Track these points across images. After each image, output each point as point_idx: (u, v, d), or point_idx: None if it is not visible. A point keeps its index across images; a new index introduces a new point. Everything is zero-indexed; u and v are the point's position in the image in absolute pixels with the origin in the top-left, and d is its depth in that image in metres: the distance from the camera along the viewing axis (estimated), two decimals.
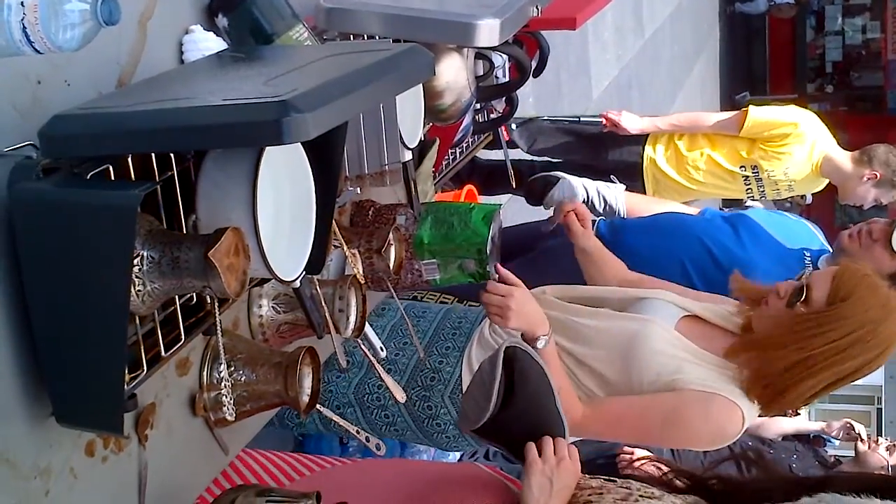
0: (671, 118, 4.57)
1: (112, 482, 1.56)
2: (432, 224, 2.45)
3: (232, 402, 1.42)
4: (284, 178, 1.57)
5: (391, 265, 2.17)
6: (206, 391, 1.70)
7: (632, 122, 4.50)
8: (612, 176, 4.28)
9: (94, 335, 1.32)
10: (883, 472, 4.45)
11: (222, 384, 1.47)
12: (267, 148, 1.42)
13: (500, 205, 2.56)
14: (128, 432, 1.57)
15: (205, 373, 1.71)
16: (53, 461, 1.43)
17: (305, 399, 1.75)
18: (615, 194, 3.54)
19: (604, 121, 4.54)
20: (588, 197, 3.48)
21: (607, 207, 3.52)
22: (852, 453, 4.67)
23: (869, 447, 4.54)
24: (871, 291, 2.27)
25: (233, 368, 1.69)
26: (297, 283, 1.62)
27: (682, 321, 2.45)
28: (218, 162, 1.45)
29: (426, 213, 2.47)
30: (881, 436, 4.81)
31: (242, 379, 1.69)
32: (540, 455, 1.93)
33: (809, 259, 3.30)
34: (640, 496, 1.89)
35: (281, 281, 1.53)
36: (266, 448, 2.40)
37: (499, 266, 2.38)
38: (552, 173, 3.50)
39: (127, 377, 1.44)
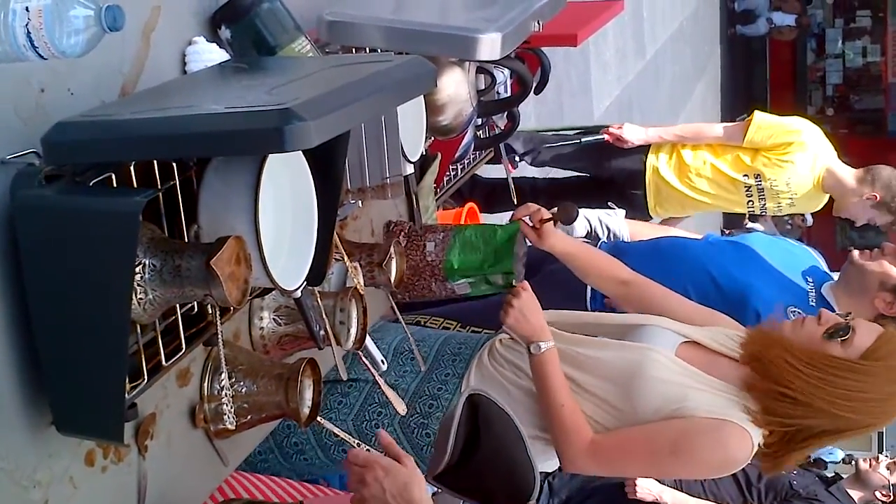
0: (675, 129, 4.57)
1: (111, 492, 1.55)
2: (461, 249, 2.55)
3: (232, 410, 1.42)
4: (286, 188, 1.58)
5: (392, 279, 2.17)
6: (207, 402, 1.70)
7: (634, 133, 4.50)
8: (609, 203, 4.30)
9: (95, 342, 1.31)
10: (883, 491, 4.45)
11: (223, 393, 1.47)
12: (269, 158, 1.43)
13: (521, 221, 2.61)
14: (128, 442, 1.57)
15: (206, 383, 1.71)
16: (53, 470, 1.43)
17: (306, 411, 1.75)
18: (617, 221, 3.54)
19: (606, 136, 4.54)
20: (591, 226, 3.49)
21: (611, 235, 3.53)
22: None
23: (870, 466, 4.53)
24: None
25: (233, 379, 1.68)
26: (298, 294, 1.62)
27: (682, 347, 2.43)
28: (220, 172, 1.45)
29: (453, 238, 2.57)
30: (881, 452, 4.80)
31: (243, 390, 1.69)
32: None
33: (812, 285, 3.30)
34: None
35: (282, 291, 1.53)
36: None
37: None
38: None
39: (127, 386, 1.43)
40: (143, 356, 1.48)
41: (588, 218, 3.49)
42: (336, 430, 1.83)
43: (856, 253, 3.24)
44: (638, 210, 4.60)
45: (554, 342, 2.36)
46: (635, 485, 4.03)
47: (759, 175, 4.38)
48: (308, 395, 1.76)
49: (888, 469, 4.50)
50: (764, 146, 4.33)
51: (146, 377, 1.49)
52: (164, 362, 1.52)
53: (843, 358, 2.27)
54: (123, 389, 1.37)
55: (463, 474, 1.94)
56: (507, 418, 1.99)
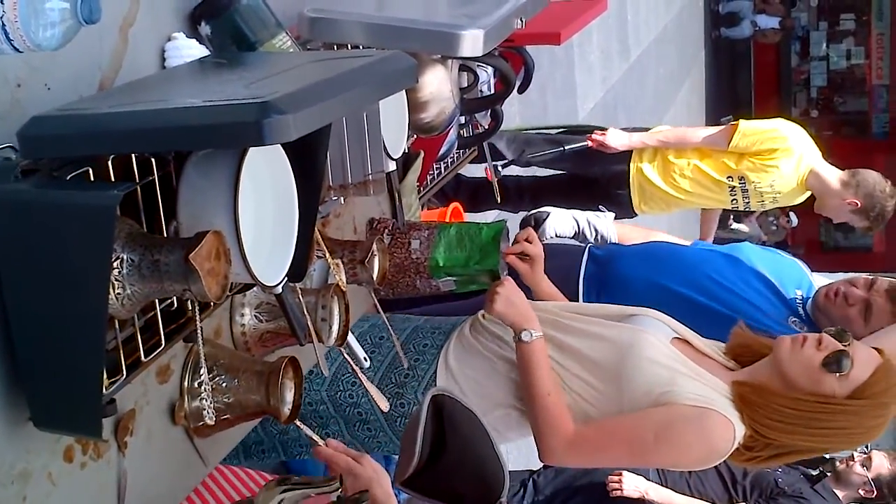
0: (659, 134, 4.58)
1: (91, 489, 1.54)
2: (446, 248, 2.57)
3: (212, 407, 1.41)
4: (266, 184, 1.57)
5: (375, 276, 2.16)
6: (188, 398, 1.69)
7: (618, 139, 4.51)
8: (600, 206, 4.31)
9: (72, 337, 1.30)
10: (866, 488, 4.46)
11: (202, 388, 1.46)
12: (249, 154, 1.42)
13: (505, 221, 2.63)
14: (107, 438, 1.56)
15: (186, 380, 1.70)
16: (31, 467, 1.41)
17: (286, 410, 1.74)
18: (606, 224, 3.55)
19: (589, 143, 4.55)
20: (579, 228, 3.50)
21: (599, 237, 3.53)
22: None
23: (847, 466, 4.54)
24: (893, 399, 2.30)
25: (214, 374, 1.68)
26: (279, 289, 1.61)
27: (675, 341, 2.44)
28: (199, 166, 1.44)
29: (438, 235, 2.58)
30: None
31: (224, 384, 1.68)
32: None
33: (801, 300, 3.29)
34: None
35: (262, 286, 1.52)
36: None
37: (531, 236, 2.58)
38: (542, 209, 3.52)
39: (106, 382, 1.43)
40: (121, 352, 1.47)
41: (577, 219, 3.50)
42: (306, 430, 1.83)
43: (822, 294, 3.22)
44: (623, 208, 4.62)
45: (541, 330, 2.36)
46: (621, 482, 4.03)
47: (743, 178, 4.40)
48: (289, 396, 1.75)
49: (863, 466, 4.51)
50: (749, 151, 4.35)
51: (125, 373, 1.48)
52: (143, 358, 1.51)
53: (832, 402, 2.28)
54: (101, 384, 1.36)
55: (431, 477, 1.93)
56: (473, 416, 1.99)
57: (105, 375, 1.40)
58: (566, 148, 4.62)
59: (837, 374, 2.26)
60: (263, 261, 1.53)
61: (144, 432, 1.66)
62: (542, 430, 2.33)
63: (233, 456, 2.46)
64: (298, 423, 1.80)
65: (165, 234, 1.50)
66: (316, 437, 1.86)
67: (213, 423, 1.40)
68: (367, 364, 2.33)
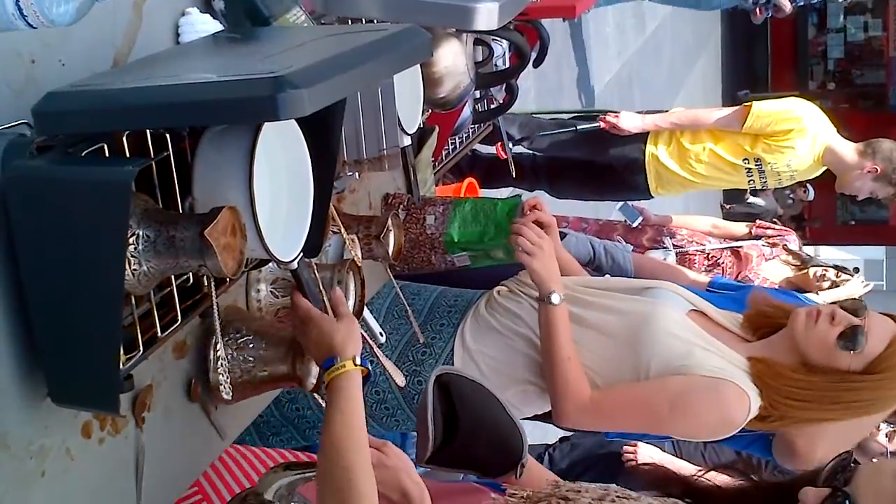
0: (671, 116, 4.55)
1: (108, 464, 1.55)
2: (461, 223, 2.55)
3: (228, 381, 1.41)
4: (281, 160, 1.57)
5: (390, 251, 2.16)
6: (214, 371, 1.69)
7: (631, 122, 4.49)
8: (618, 237, 4.30)
9: (89, 313, 1.31)
10: (882, 458, 4.45)
11: (219, 363, 1.46)
12: (263, 129, 1.42)
13: (521, 196, 2.62)
14: (125, 413, 1.56)
15: (210, 353, 1.70)
16: (49, 442, 1.42)
17: (312, 381, 1.76)
18: (623, 255, 3.53)
19: (602, 123, 4.53)
20: (594, 254, 3.48)
21: (615, 266, 3.51)
22: None
23: (870, 435, 4.53)
24: None
25: (241, 335, 1.71)
26: (295, 265, 1.61)
27: (692, 313, 2.44)
28: (214, 141, 1.44)
29: (454, 211, 2.57)
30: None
31: (252, 348, 1.72)
32: None
33: None
34: (617, 496, 1.89)
35: (278, 262, 1.52)
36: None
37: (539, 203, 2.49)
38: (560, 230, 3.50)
39: (123, 358, 1.43)
40: (138, 328, 1.47)
41: (594, 245, 3.49)
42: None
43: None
44: (639, 192, 4.61)
45: (563, 292, 2.37)
46: (636, 453, 4.03)
47: (759, 160, 4.39)
48: (315, 368, 1.76)
49: (887, 437, 4.50)
50: (763, 133, 4.33)
51: (142, 348, 1.48)
52: (159, 334, 1.51)
53: (847, 378, 2.27)
54: (118, 360, 1.36)
55: (450, 452, 1.95)
56: (480, 387, 1.99)
57: (122, 351, 1.41)
58: (578, 128, 4.60)
59: (853, 352, 2.25)
60: (279, 236, 1.53)
61: (162, 407, 1.66)
62: (558, 393, 2.34)
63: (245, 435, 2.48)
64: (319, 398, 1.80)
65: (181, 210, 1.50)
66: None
67: (229, 397, 1.40)
68: (382, 339, 2.33)
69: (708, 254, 4.39)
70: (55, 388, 1.37)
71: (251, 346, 1.73)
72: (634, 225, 4.52)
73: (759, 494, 1.93)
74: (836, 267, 4.27)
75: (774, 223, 4.66)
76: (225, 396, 1.42)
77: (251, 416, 1.94)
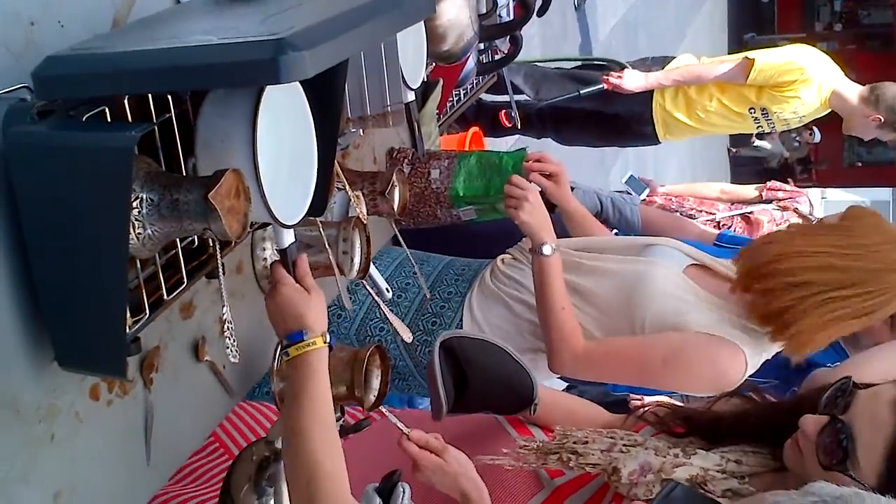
0: (673, 73, 4.51)
1: (118, 425, 1.56)
2: (466, 177, 2.54)
3: (235, 343, 1.41)
4: (284, 121, 1.55)
5: (396, 207, 2.16)
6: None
7: (634, 81, 4.46)
8: (628, 188, 4.27)
9: (94, 279, 1.30)
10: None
11: (225, 326, 1.46)
12: (266, 91, 1.40)
13: (526, 148, 2.60)
14: (133, 376, 1.57)
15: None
16: (58, 405, 1.43)
17: (371, 398, 1.79)
18: (630, 206, 3.51)
19: (605, 85, 4.50)
20: (602, 207, 3.46)
21: (622, 219, 3.49)
22: None
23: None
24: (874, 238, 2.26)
25: None
26: (290, 241, 1.60)
27: (690, 268, 2.43)
28: (216, 105, 1.43)
29: (458, 165, 2.57)
30: None
31: None
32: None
33: None
34: (624, 445, 1.90)
35: (282, 225, 1.51)
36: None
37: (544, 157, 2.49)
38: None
39: (129, 321, 1.43)
40: (143, 291, 1.47)
41: (601, 198, 3.47)
42: (394, 420, 1.85)
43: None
44: (646, 139, 4.60)
45: (556, 243, 2.37)
46: (642, 399, 4.03)
47: (765, 109, 4.37)
48: (375, 383, 1.80)
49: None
50: (768, 84, 4.31)
51: (148, 312, 1.48)
52: (165, 296, 1.51)
53: (820, 224, 2.27)
54: (124, 325, 1.36)
55: (464, 405, 1.97)
56: (484, 343, 2.01)
57: (128, 314, 1.41)
58: (582, 93, 4.57)
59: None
60: (282, 199, 1.51)
61: (170, 368, 1.67)
62: (553, 342, 2.34)
63: (266, 393, 2.49)
64: (384, 409, 1.83)
65: (184, 173, 1.50)
66: (402, 427, 1.87)
67: (236, 360, 1.40)
68: (389, 295, 2.33)
69: (718, 222, 4.36)
70: (62, 354, 1.37)
71: None
72: (641, 197, 4.49)
73: (759, 416, 1.93)
74: None
75: (786, 182, 4.62)
76: (232, 360, 1.42)
77: (259, 373, 1.94)
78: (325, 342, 1.61)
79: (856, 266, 2.19)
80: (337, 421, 1.64)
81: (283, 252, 1.60)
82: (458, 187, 2.54)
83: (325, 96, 1.59)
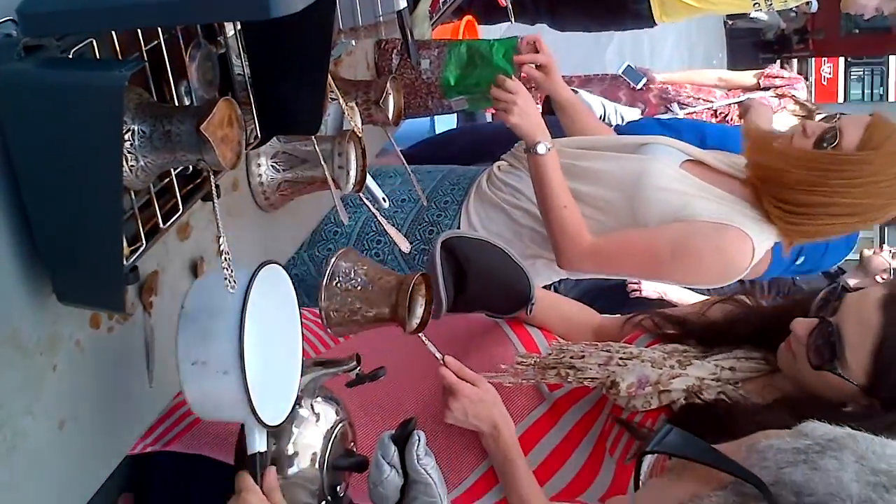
0: None
1: (119, 352, 1.56)
2: (456, 65, 2.50)
3: (233, 273, 1.40)
4: (272, 322, 1.53)
5: (390, 116, 2.13)
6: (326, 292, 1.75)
7: None
8: (622, 97, 4.24)
9: (89, 214, 1.29)
10: (884, 275, 4.50)
11: (222, 256, 1.45)
12: (253, 289, 1.40)
13: (518, 37, 2.56)
14: (132, 301, 1.57)
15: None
16: (59, 336, 1.43)
17: (414, 324, 1.79)
18: (633, 115, 3.50)
19: None
20: (605, 112, 3.44)
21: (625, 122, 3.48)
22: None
23: (874, 253, 4.57)
24: None
25: (349, 277, 1.76)
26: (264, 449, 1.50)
27: (687, 164, 2.42)
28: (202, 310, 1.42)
29: (448, 54, 2.52)
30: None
31: (359, 288, 1.76)
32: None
33: None
34: (620, 358, 1.92)
35: (264, 425, 1.43)
36: None
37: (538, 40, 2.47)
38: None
39: (127, 251, 1.42)
40: (139, 221, 1.46)
41: (604, 104, 3.45)
42: (430, 347, 1.88)
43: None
44: (642, 20, 4.53)
45: (551, 140, 2.36)
46: (640, 284, 4.06)
47: None
48: (419, 311, 1.80)
49: (892, 255, 4.54)
50: None
51: (144, 241, 1.47)
52: (161, 225, 1.50)
53: (837, 153, 2.25)
54: (121, 259, 1.36)
55: (463, 303, 1.99)
56: (483, 242, 2.02)
57: (125, 247, 1.40)
58: None
59: (830, 147, 2.25)
60: (266, 399, 1.44)
61: (169, 291, 1.66)
62: (559, 240, 2.35)
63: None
64: (422, 336, 1.84)
65: (176, 101, 1.47)
66: (437, 353, 1.90)
67: (233, 291, 1.39)
68: (386, 204, 2.33)
69: (716, 111, 4.33)
70: (60, 288, 1.37)
71: (359, 288, 1.76)
72: (638, 87, 4.45)
73: (752, 321, 1.97)
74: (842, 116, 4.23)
75: (784, 68, 4.58)
76: (230, 290, 1.41)
77: None
78: None
79: (870, 203, 2.22)
80: (352, 370, 1.66)
81: (252, 458, 1.47)
82: (448, 76, 2.50)
83: (316, 13, 1.55)
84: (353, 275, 1.77)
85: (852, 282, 4.47)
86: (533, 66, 2.53)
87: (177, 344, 1.40)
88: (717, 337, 1.96)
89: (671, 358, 1.89)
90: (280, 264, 1.50)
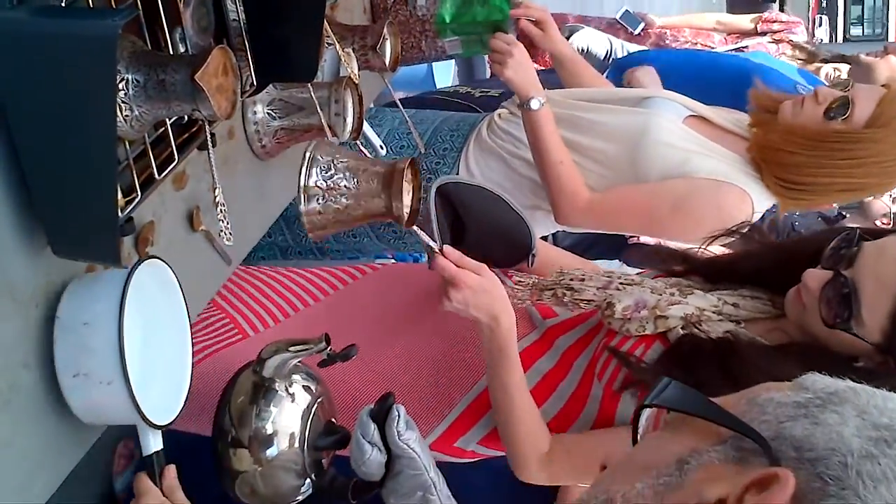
0: None
1: None
2: (452, 3, 2.45)
3: (229, 226, 1.39)
4: (155, 312, 1.49)
5: (387, 61, 2.11)
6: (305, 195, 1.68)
7: None
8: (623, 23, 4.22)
9: (83, 166, 1.28)
10: (885, 219, 4.49)
11: (219, 209, 1.43)
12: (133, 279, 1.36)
13: None
14: (128, 252, 1.55)
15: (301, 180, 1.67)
16: (56, 287, 1.42)
17: (406, 214, 1.74)
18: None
19: None
20: (611, 48, 3.42)
21: None
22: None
23: (875, 197, 4.56)
24: None
25: (333, 173, 1.67)
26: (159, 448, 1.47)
27: (689, 119, 2.40)
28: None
29: None
30: None
31: (343, 185, 1.69)
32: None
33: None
34: (620, 283, 1.90)
35: (150, 424, 1.38)
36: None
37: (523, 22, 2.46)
38: (574, 24, 3.44)
39: (122, 202, 1.41)
40: (133, 172, 1.44)
41: (611, 41, 3.44)
42: (425, 238, 1.81)
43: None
44: None
45: (545, 95, 2.34)
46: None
47: None
48: (407, 199, 1.75)
49: (892, 200, 4.54)
50: None
51: (139, 192, 1.45)
52: (156, 175, 1.49)
53: (845, 131, 2.23)
54: (116, 211, 1.34)
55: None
56: (482, 190, 2.00)
57: (120, 197, 1.38)
58: None
59: (841, 119, 2.23)
60: (153, 397, 1.41)
61: (165, 241, 1.65)
62: (556, 196, 2.34)
63: (271, 258, 2.49)
64: (416, 228, 1.79)
65: (171, 49, 1.45)
66: (433, 244, 1.81)
67: (230, 243, 1.37)
68: (383, 152, 2.31)
69: None
70: (55, 241, 1.35)
71: (343, 183, 1.68)
72: (636, 32, 4.42)
73: (760, 257, 1.94)
74: (843, 59, 4.19)
75: (783, 11, 4.55)
76: (226, 242, 1.39)
77: (254, 239, 1.93)
78: None
79: (870, 182, 2.21)
80: (322, 351, 1.61)
81: (149, 459, 1.43)
82: (444, 13, 2.46)
83: None
84: (332, 170, 1.71)
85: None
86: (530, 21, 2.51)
87: (55, 356, 1.35)
88: (722, 272, 1.94)
89: (672, 287, 1.87)
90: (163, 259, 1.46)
